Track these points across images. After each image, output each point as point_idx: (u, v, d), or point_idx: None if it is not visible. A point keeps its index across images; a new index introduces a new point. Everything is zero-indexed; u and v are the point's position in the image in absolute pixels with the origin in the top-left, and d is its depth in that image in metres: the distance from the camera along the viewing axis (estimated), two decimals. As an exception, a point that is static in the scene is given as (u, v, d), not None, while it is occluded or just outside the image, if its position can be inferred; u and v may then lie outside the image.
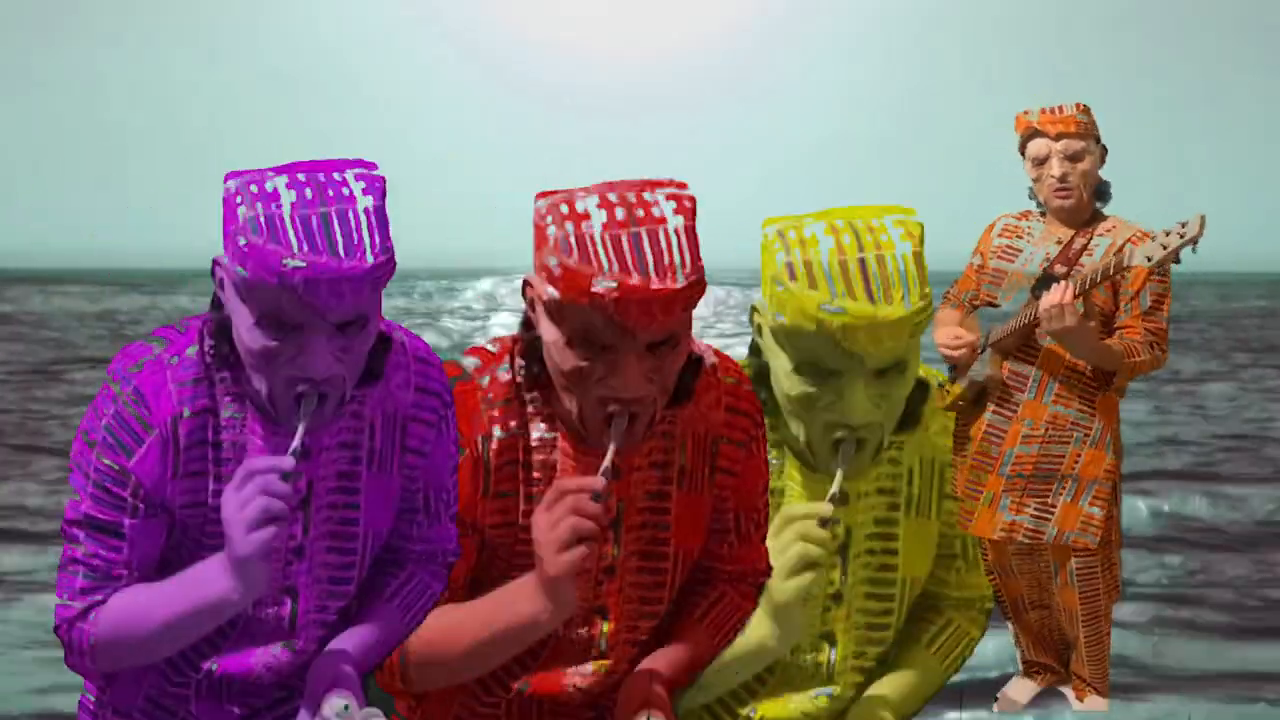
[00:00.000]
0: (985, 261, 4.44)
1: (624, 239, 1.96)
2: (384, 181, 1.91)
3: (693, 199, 2.02)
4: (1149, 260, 4.03)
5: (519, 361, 2.14)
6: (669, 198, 2.01)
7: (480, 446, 2.14)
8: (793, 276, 2.12)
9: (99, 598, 1.98)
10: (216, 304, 1.96)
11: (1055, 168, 4.28)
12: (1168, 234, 4.03)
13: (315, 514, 2.04)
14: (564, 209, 1.99)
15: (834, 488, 2.15)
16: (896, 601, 2.39)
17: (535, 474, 2.15)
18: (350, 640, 2.08)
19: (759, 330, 2.25)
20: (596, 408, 2.04)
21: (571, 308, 1.99)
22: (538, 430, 2.15)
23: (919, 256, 2.14)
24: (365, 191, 1.88)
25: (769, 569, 2.22)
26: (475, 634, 2.09)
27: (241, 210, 1.85)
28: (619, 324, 1.97)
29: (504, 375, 2.16)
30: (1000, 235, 4.43)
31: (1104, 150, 4.33)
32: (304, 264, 1.82)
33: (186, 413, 1.96)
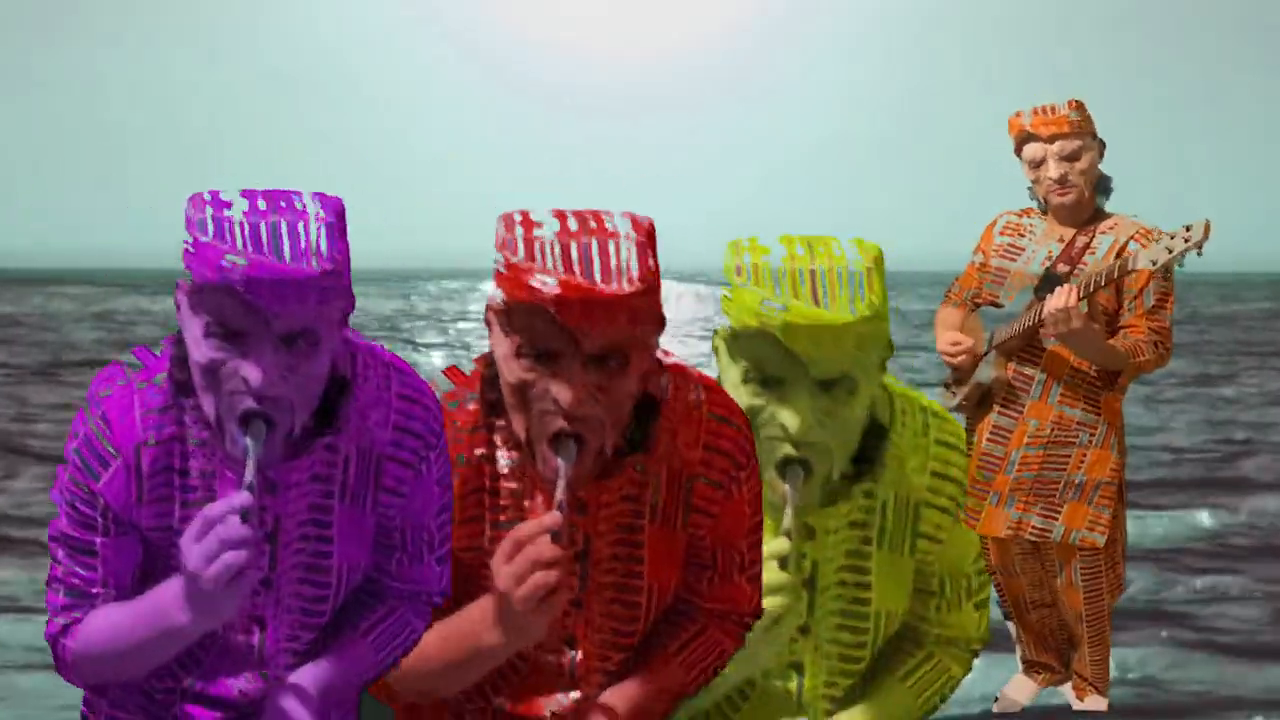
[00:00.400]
0: (987, 260, 4.43)
1: (573, 245, 1.96)
2: (340, 203, 1.92)
3: (650, 220, 2.02)
4: (1154, 264, 4.03)
5: (484, 388, 2.13)
6: (625, 215, 2.01)
7: None
8: (740, 276, 2.15)
9: (77, 615, 2.01)
10: (180, 334, 1.96)
11: (1052, 169, 4.27)
12: (1172, 237, 4.03)
13: (284, 548, 2.03)
14: (519, 218, 2.00)
15: (786, 522, 2.15)
16: (871, 635, 2.37)
17: (503, 501, 2.14)
18: (309, 674, 2.07)
19: (715, 351, 2.26)
20: (541, 425, 2.01)
21: (517, 310, 1.98)
22: (506, 458, 2.13)
23: (871, 273, 2.13)
24: (321, 207, 1.88)
25: (756, 610, 2.23)
26: (443, 655, 2.09)
27: (194, 215, 1.86)
28: (560, 326, 1.95)
29: (472, 404, 2.15)
30: (1002, 233, 4.42)
31: (1102, 145, 4.32)
32: (246, 261, 1.82)
33: (151, 440, 1.97)
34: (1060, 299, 4.07)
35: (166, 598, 1.92)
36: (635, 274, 1.96)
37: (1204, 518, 7.87)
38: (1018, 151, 4.37)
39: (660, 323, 2.03)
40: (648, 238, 2.00)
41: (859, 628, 2.36)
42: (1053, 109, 4.30)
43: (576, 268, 1.94)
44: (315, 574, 2.05)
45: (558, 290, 1.94)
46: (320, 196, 1.90)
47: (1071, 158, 4.26)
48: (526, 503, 2.14)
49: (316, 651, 2.10)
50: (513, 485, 2.14)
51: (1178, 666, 5.20)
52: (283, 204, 1.87)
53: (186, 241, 1.86)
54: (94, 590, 2.00)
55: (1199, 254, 4.06)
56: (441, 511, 2.10)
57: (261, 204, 1.86)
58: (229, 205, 1.86)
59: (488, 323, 2.06)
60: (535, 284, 1.94)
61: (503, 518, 2.14)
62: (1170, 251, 4.01)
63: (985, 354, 4.40)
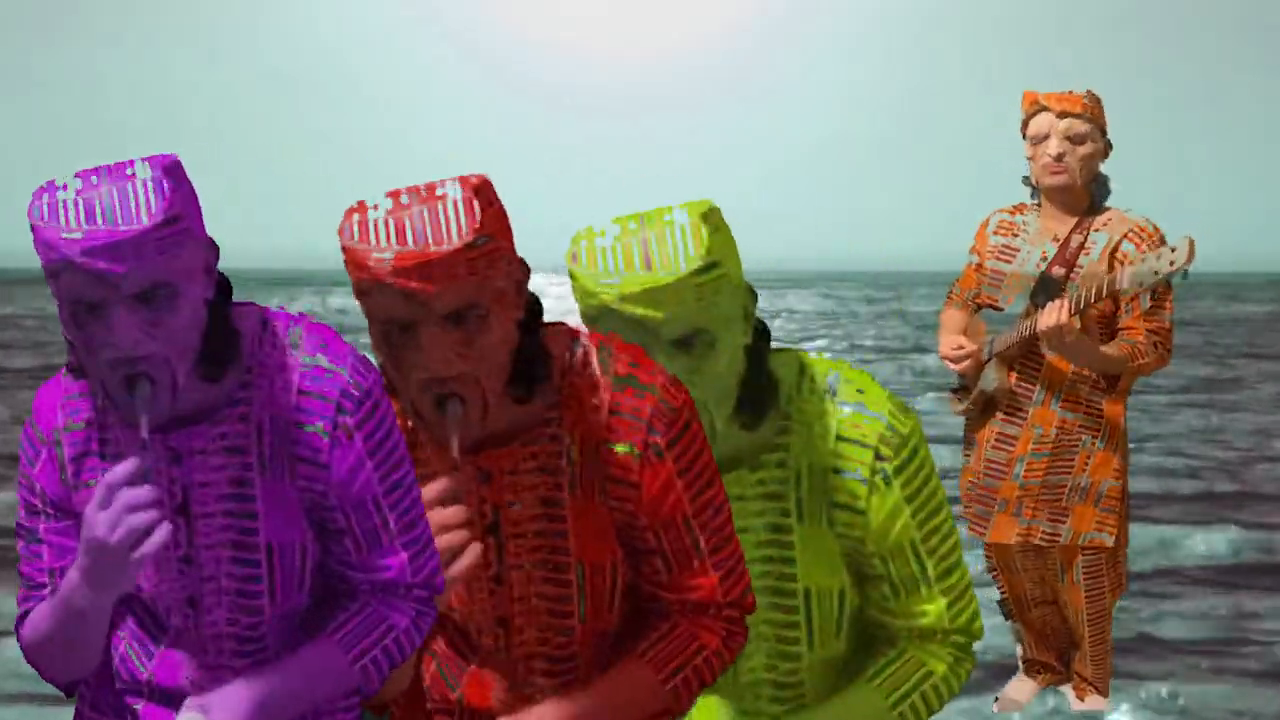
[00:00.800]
0: (983, 262, 4.43)
1: (405, 217, 2.01)
2: (175, 159, 1.96)
3: (482, 177, 2.06)
4: (1140, 285, 4.03)
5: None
6: (457, 179, 2.04)
7: None
8: (576, 260, 2.21)
9: (30, 606, 2.07)
10: None
11: (1053, 146, 4.26)
12: (1158, 257, 4.02)
13: (203, 521, 2.03)
14: (355, 206, 2.05)
15: None
16: (802, 614, 2.32)
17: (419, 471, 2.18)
18: (262, 673, 2.03)
19: None
20: (420, 393, 2.05)
21: (368, 291, 2.02)
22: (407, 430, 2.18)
23: (698, 226, 2.18)
24: (150, 167, 1.93)
25: (737, 600, 2.19)
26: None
27: (33, 205, 1.92)
28: (404, 293, 1.99)
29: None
30: (996, 233, 4.42)
31: (1108, 145, 4.31)
32: (80, 234, 1.87)
33: (69, 425, 2.04)
34: (1052, 316, 4.07)
35: (69, 584, 1.95)
36: (465, 227, 1.99)
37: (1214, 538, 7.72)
38: (1024, 127, 4.35)
39: (516, 268, 2.07)
40: (475, 192, 2.03)
41: (788, 605, 2.32)
42: (1071, 92, 4.29)
43: (410, 237, 1.99)
44: (243, 551, 2.03)
45: (393, 262, 1.98)
46: (150, 158, 1.94)
47: (1076, 140, 4.24)
48: (422, 470, 2.18)
49: (267, 639, 2.06)
50: (423, 452, 2.18)
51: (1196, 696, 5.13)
52: (111, 174, 1.92)
53: (31, 232, 1.92)
54: (41, 579, 2.06)
55: (1185, 277, 4.05)
56: (392, 491, 2.05)
57: (94, 179, 1.92)
58: (64, 188, 1.92)
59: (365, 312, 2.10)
60: (372, 262, 1.99)
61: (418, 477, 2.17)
62: (1156, 274, 4.00)
63: (986, 362, 4.40)
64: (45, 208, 1.90)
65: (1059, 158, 4.25)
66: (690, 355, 2.20)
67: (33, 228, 1.91)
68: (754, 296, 2.26)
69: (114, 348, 1.90)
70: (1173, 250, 4.01)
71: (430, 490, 2.05)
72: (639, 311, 2.16)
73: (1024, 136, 4.35)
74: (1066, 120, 4.24)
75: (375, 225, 2.01)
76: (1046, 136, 4.26)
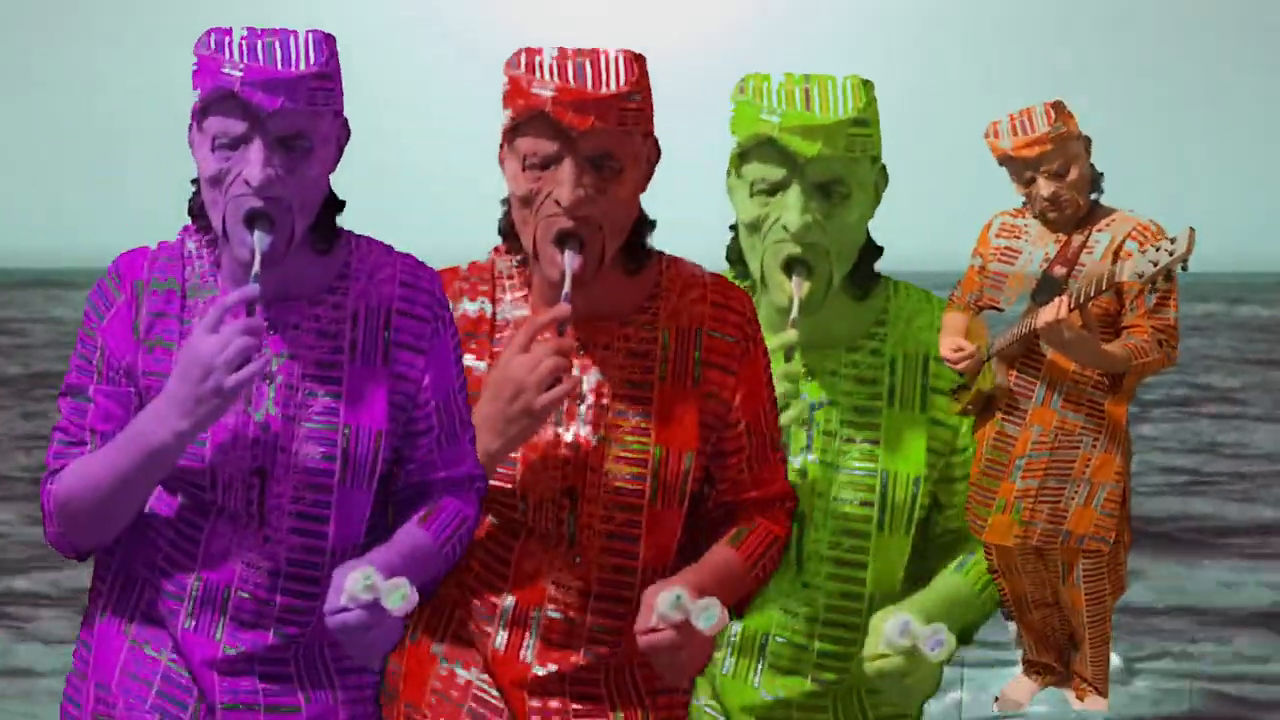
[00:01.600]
0: (986, 264, 4.42)
1: (568, 63, 2.20)
2: (332, 36, 2.12)
3: (642, 55, 2.25)
4: (1140, 277, 4.02)
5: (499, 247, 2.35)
6: (620, 49, 2.24)
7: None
8: (743, 93, 2.43)
9: (64, 462, 2.10)
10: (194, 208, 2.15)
11: (1044, 188, 4.23)
12: (1157, 249, 4.01)
13: (284, 393, 2.11)
14: (523, 49, 2.24)
15: (793, 311, 2.35)
16: (878, 494, 2.50)
17: (502, 335, 2.31)
18: (379, 550, 2.08)
19: (729, 189, 2.49)
20: (545, 227, 2.20)
21: (521, 122, 2.21)
22: (507, 304, 2.33)
23: (859, 88, 2.41)
24: (312, 34, 2.08)
25: (792, 492, 2.36)
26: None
27: (201, 39, 2.08)
28: (556, 124, 2.18)
29: (484, 260, 2.37)
30: (998, 235, 4.41)
31: (1088, 141, 4.29)
32: (241, 69, 2.03)
33: (155, 282, 2.13)
34: (1051, 312, 4.07)
35: (146, 417, 2.02)
36: (623, 78, 2.20)
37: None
38: (1000, 163, 4.33)
39: (652, 145, 2.28)
40: (637, 58, 2.23)
41: (865, 484, 2.50)
42: (1030, 124, 4.22)
43: (569, 75, 2.19)
44: (321, 429, 2.11)
45: (553, 93, 2.18)
46: (311, 29, 2.10)
47: (1060, 174, 4.22)
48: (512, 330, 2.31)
49: (329, 524, 2.11)
50: (510, 329, 2.31)
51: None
52: (277, 32, 2.07)
53: (193, 63, 2.07)
54: (84, 436, 2.10)
55: (1184, 269, 4.04)
56: (462, 390, 2.19)
57: (258, 28, 2.06)
58: (230, 32, 2.06)
59: (501, 160, 2.28)
60: (534, 90, 2.19)
61: (499, 349, 2.29)
62: (1155, 265, 3.99)
63: (986, 361, 4.39)
64: (212, 41, 2.06)
65: (1054, 198, 4.22)
66: (828, 202, 2.40)
67: (198, 59, 2.06)
68: (886, 178, 2.50)
69: (246, 182, 2.03)
70: (1172, 241, 4.00)
71: (547, 314, 2.20)
72: (795, 144, 2.36)
73: (1001, 165, 4.32)
74: (1045, 164, 4.21)
75: (541, 62, 2.20)
76: (1032, 180, 4.25)
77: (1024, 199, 4.39)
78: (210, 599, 2.10)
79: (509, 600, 2.28)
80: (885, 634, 2.40)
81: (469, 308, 2.33)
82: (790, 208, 2.37)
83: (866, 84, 2.42)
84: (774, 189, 2.39)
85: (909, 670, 2.42)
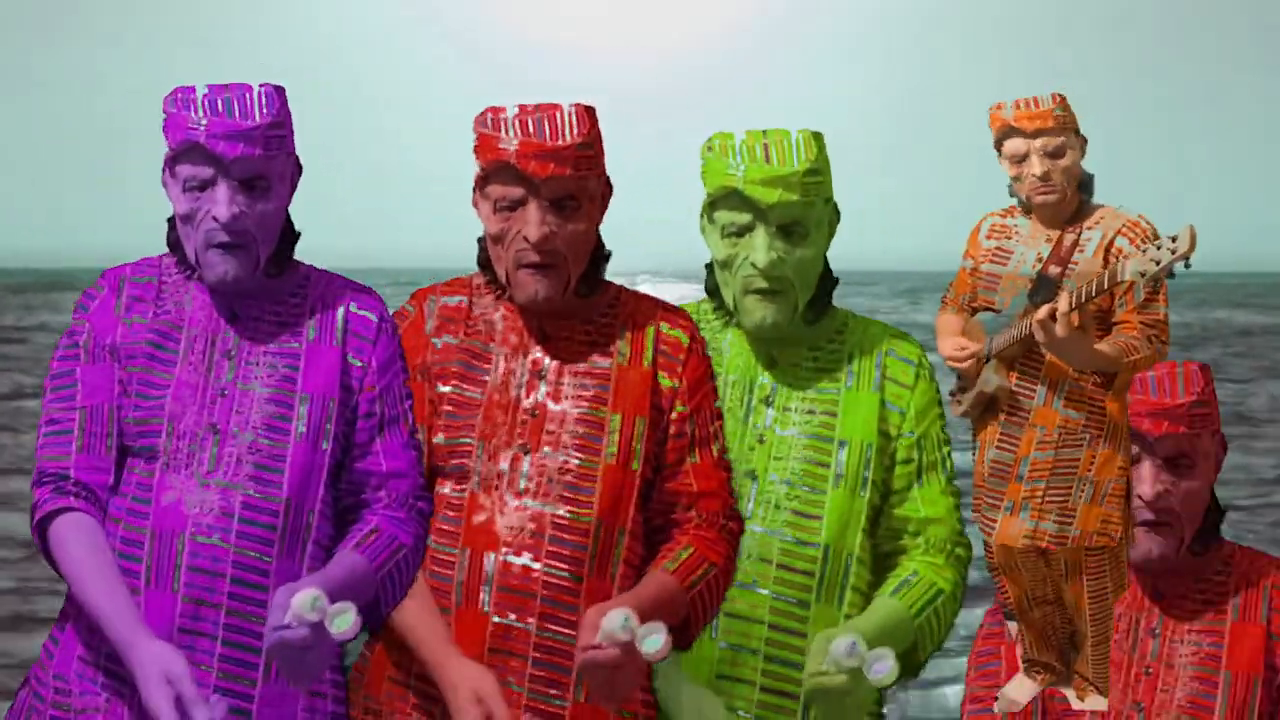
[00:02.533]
0: (977, 265, 4.42)
1: (528, 119, 2.56)
2: (282, 88, 2.46)
3: (592, 107, 2.61)
4: (1142, 276, 4.01)
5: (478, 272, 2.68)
6: (573, 104, 2.59)
7: (428, 308, 2.64)
8: (710, 150, 2.80)
9: (50, 452, 2.36)
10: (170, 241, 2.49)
11: (1036, 166, 4.24)
12: (1159, 247, 4.00)
13: (246, 367, 2.41)
14: (489, 109, 2.58)
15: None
16: (834, 456, 2.82)
17: (477, 326, 2.62)
18: (321, 572, 2.31)
19: (703, 231, 2.85)
20: (515, 260, 2.55)
21: (489, 172, 2.56)
22: (481, 303, 2.64)
23: (810, 142, 2.79)
24: (262, 87, 2.43)
25: (737, 514, 2.64)
26: (409, 629, 2.51)
27: (169, 98, 2.42)
28: (520, 174, 2.53)
29: (447, 281, 2.71)
30: (989, 237, 4.41)
31: (1084, 141, 4.30)
32: (205, 123, 2.38)
33: (134, 277, 2.46)
34: (1045, 311, 4.05)
35: (119, 637, 2.24)
36: (577, 130, 2.56)
37: None
38: (998, 146, 4.33)
39: (605, 183, 2.63)
40: (588, 111, 2.60)
41: (820, 446, 2.82)
42: (1036, 102, 4.26)
43: (530, 130, 2.54)
44: (282, 393, 2.41)
45: (517, 146, 2.53)
46: (266, 84, 2.44)
47: (1056, 154, 4.22)
48: (497, 326, 2.63)
49: (286, 472, 2.37)
50: (485, 315, 2.63)
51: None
52: (234, 87, 2.42)
53: (163, 117, 2.43)
54: (63, 417, 2.37)
55: (1187, 266, 4.04)
56: (407, 398, 2.48)
57: (219, 84, 2.41)
58: (192, 90, 2.42)
59: (474, 204, 2.62)
60: (501, 145, 2.54)
61: (471, 335, 2.63)
62: (1157, 264, 3.99)
63: (986, 362, 4.39)
64: (179, 100, 2.41)
65: (1045, 177, 4.22)
66: (789, 241, 2.78)
67: (166, 114, 2.42)
68: (838, 216, 2.88)
69: (214, 218, 2.37)
70: (1173, 240, 4.00)
71: (502, 710, 2.44)
72: (758, 193, 2.75)
73: (998, 153, 4.33)
74: (1042, 138, 4.21)
75: (505, 119, 2.56)
76: (1026, 156, 4.24)
77: (1012, 192, 4.38)
78: (165, 550, 2.33)
79: (465, 553, 2.52)
80: (832, 653, 2.60)
81: (449, 301, 2.65)
82: (757, 248, 2.76)
83: (817, 135, 2.82)
84: (742, 231, 2.77)
85: (849, 690, 2.66)
